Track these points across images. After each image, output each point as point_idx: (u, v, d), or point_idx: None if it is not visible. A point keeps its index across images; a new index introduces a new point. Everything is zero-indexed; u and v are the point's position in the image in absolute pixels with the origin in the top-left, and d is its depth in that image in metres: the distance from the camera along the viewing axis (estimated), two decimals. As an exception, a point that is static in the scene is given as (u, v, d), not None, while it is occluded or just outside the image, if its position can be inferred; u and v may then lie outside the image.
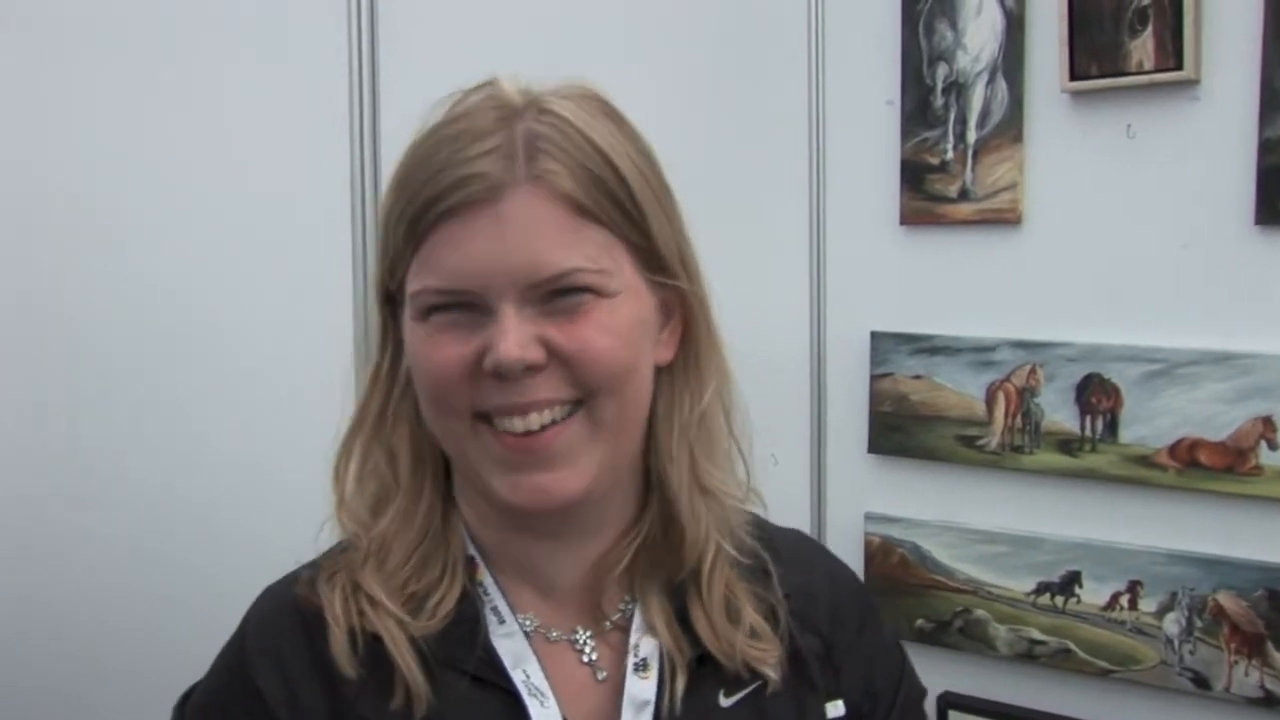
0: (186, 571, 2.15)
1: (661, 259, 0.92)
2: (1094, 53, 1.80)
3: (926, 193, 1.96)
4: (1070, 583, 1.87)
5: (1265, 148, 1.69)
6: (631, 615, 0.97)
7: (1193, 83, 1.74)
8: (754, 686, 0.97)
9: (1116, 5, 1.77)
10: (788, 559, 1.03)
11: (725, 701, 0.96)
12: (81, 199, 2.22)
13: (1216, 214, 1.73)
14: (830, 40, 2.04)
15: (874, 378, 2.02)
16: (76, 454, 2.26)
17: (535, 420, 0.88)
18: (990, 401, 1.92)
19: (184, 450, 2.19)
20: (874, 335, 2.02)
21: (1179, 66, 1.73)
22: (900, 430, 2.01)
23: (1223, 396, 1.73)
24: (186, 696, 1.00)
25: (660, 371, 0.95)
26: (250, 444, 2.13)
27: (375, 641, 0.91)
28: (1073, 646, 1.87)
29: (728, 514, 0.99)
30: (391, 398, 0.95)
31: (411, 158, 0.90)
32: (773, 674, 0.97)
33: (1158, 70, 1.75)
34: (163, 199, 2.17)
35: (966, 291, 1.95)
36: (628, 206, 0.89)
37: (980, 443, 1.93)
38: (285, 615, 0.95)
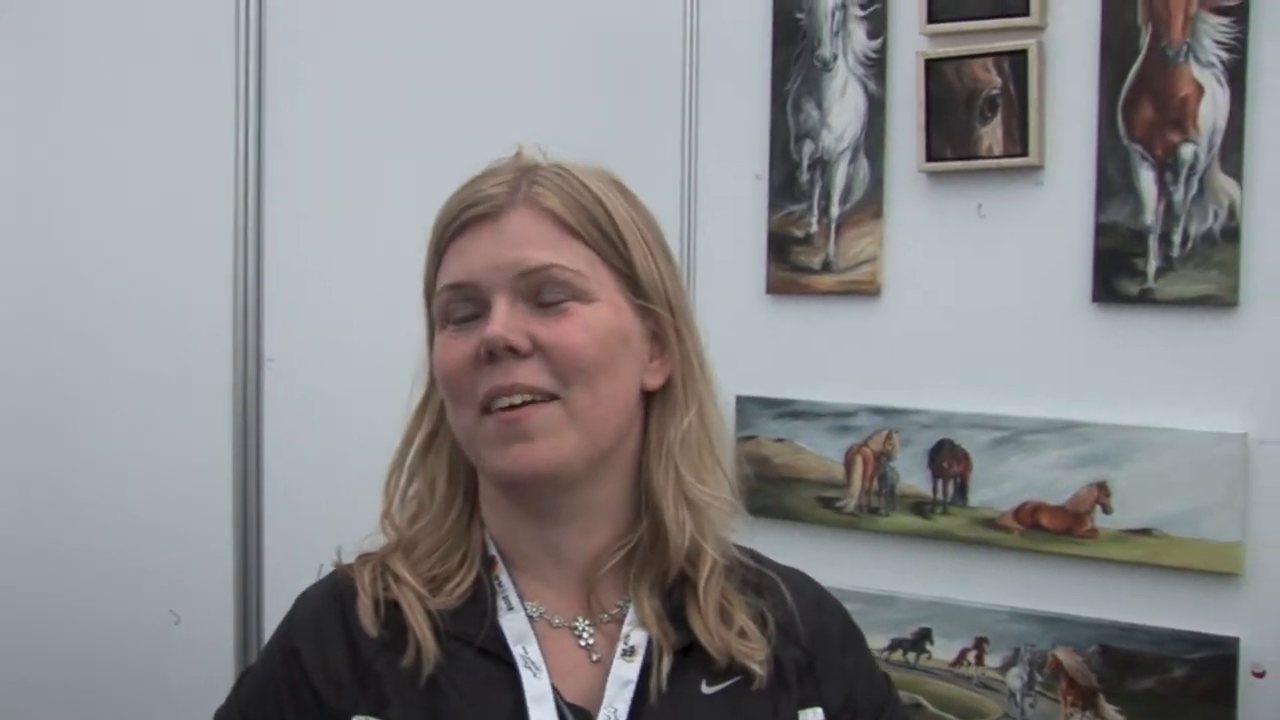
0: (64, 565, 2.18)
1: (643, 287, 1.08)
2: (948, 137, 1.91)
3: (792, 264, 2.06)
4: (922, 639, 1.95)
5: (1101, 230, 1.81)
6: (626, 610, 1.08)
7: (1037, 168, 1.86)
8: (736, 680, 1.07)
9: (969, 94, 1.89)
10: (782, 582, 1.15)
11: (707, 689, 1.07)
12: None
13: (1058, 291, 1.85)
14: (703, 116, 2.13)
15: (739, 440, 2.10)
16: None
17: (518, 398, 1.02)
18: (849, 465, 2.01)
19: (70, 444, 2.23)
20: (740, 399, 2.09)
21: (1025, 153, 1.85)
22: (763, 492, 2.07)
23: (1063, 463, 1.84)
24: (245, 672, 1.16)
25: (651, 397, 1.10)
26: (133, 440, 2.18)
27: (395, 610, 1.06)
28: (923, 701, 1.95)
29: (715, 525, 1.11)
30: (440, 425, 1.11)
31: (445, 201, 1.09)
32: (758, 669, 1.07)
33: (1006, 155, 1.87)
34: (51, 196, 2.20)
35: (828, 359, 2.04)
36: (611, 235, 1.07)
37: (839, 504, 2.01)
38: (325, 592, 1.12)
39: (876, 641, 1.97)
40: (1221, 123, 1.74)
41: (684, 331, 1.11)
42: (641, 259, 1.08)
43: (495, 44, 2.23)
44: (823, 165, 2.03)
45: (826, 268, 2.03)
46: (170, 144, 2.17)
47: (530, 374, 1.02)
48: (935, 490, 1.93)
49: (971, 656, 1.91)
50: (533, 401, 1.02)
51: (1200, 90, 1.76)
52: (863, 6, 2.00)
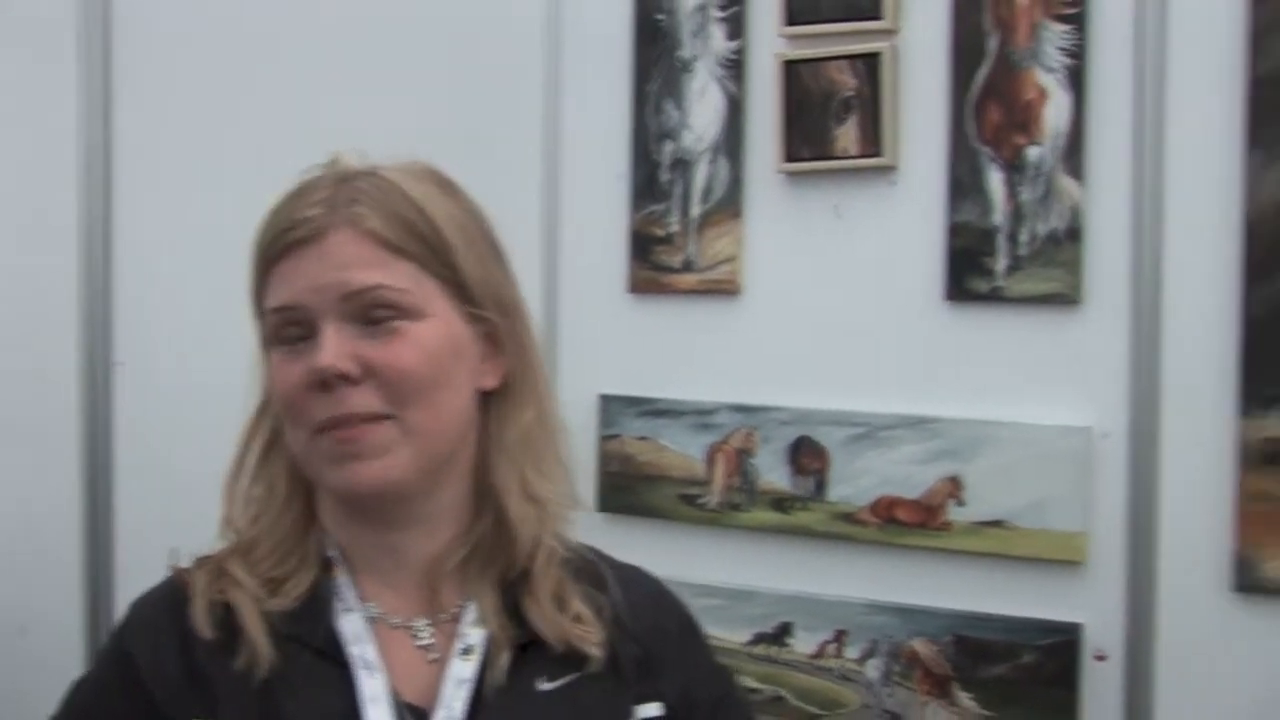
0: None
1: (472, 294, 1.09)
2: (805, 137, 1.94)
3: (653, 263, 2.07)
4: (783, 633, 1.98)
5: (953, 230, 1.86)
6: (465, 609, 1.10)
7: (891, 168, 1.90)
8: (573, 677, 1.09)
9: (825, 95, 1.92)
10: (619, 578, 1.17)
11: (545, 685, 1.08)
12: None
13: (912, 289, 1.89)
14: (564, 116, 2.14)
15: (602, 439, 2.11)
16: None
17: (352, 419, 1.03)
18: (710, 462, 2.03)
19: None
20: (603, 398, 2.10)
21: (879, 153, 1.89)
22: (627, 489, 2.09)
23: (917, 458, 1.88)
24: (78, 680, 1.15)
25: (488, 396, 1.11)
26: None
27: (230, 612, 1.06)
28: (785, 694, 1.98)
29: (555, 520, 1.13)
30: (278, 429, 1.11)
31: (264, 218, 1.09)
32: (595, 653, 1.09)
33: (861, 156, 1.91)
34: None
35: (689, 357, 2.06)
36: (435, 245, 1.07)
37: (701, 501, 2.03)
38: (160, 596, 1.12)
39: (738, 636, 2.00)
40: (1065, 126, 1.80)
41: (518, 330, 1.13)
42: (468, 264, 1.09)
43: (349, 42, 2.22)
44: (683, 165, 2.05)
45: (687, 267, 2.05)
46: (14, 145, 2.10)
47: (364, 400, 1.03)
48: (795, 486, 1.96)
49: (831, 649, 1.95)
50: (367, 421, 1.03)
51: (1044, 94, 1.81)
52: (722, 8, 2.02)
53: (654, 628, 1.17)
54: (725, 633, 2.00)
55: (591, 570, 1.16)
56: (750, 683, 1.99)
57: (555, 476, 1.14)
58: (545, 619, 1.09)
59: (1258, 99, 1.69)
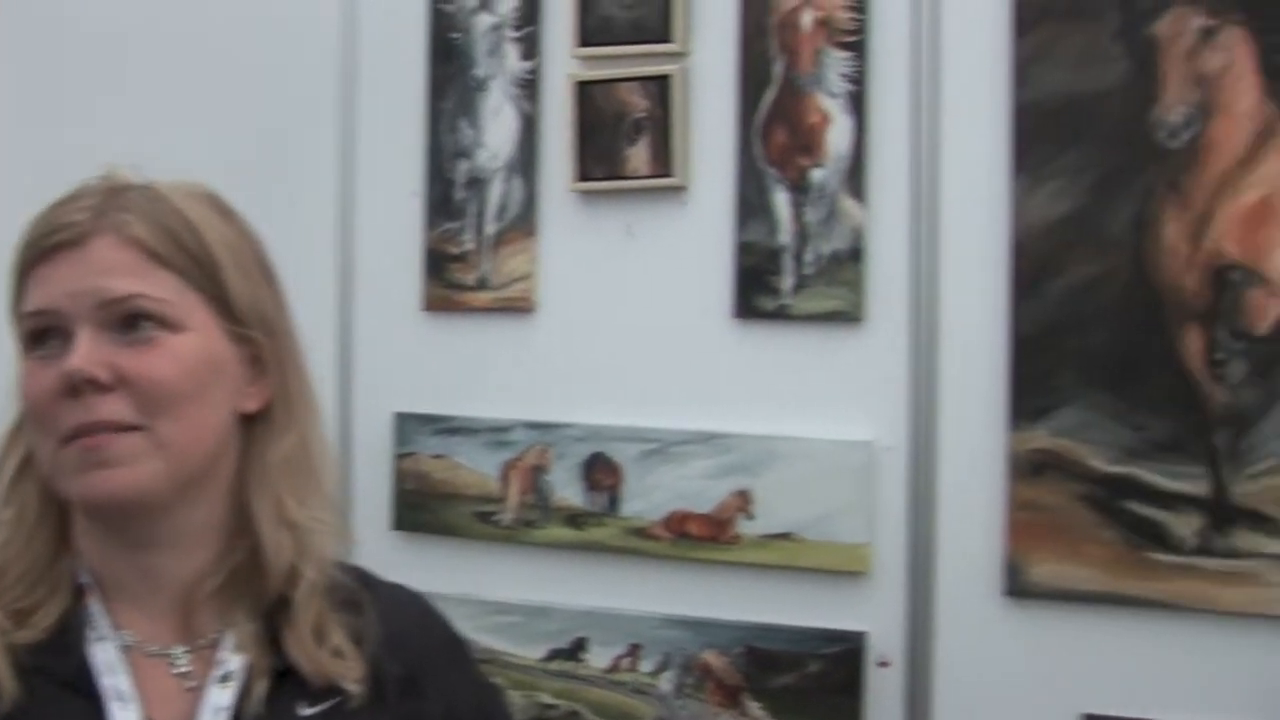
0: None
1: (237, 312, 1.06)
2: (598, 157, 1.97)
3: (448, 281, 2.07)
4: (578, 649, 1.99)
5: (741, 250, 1.91)
6: (224, 636, 1.06)
7: (681, 189, 1.94)
8: (335, 701, 1.06)
9: (617, 116, 1.95)
10: (383, 600, 1.14)
11: (305, 711, 1.05)
12: None
13: (702, 307, 1.93)
14: (360, 133, 2.12)
15: (398, 457, 2.09)
16: None
17: (100, 426, 1.00)
18: (505, 479, 2.03)
19: None
20: (398, 416, 2.09)
21: (669, 174, 1.93)
22: (423, 508, 2.08)
23: (708, 473, 1.92)
24: None
25: (251, 419, 1.08)
26: None
27: None
28: (580, 709, 1.99)
29: (316, 548, 1.09)
30: (32, 450, 1.06)
31: (29, 222, 1.05)
32: (353, 689, 1.06)
33: (652, 176, 1.94)
34: None
35: (484, 375, 2.06)
36: (202, 260, 1.04)
37: (496, 518, 2.04)
38: None
39: (534, 652, 2.00)
40: (847, 149, 1.86)
41: (284, 354, 1.10)
42: (235, 282, 1.06)
43: (138, 53, 2.16)
44: (478, 183, 2.06)
45: (482, 285, 2.05)
46: None
47: (113, 409, 1.00)
48: (589, 502, 1.98)
49: (626, 663, 1.97)
50: (115, 431, 1.00)
51: (827, 118, 1.87)
52: (516, 28, 2.04)
53: (418, 648, 1.15)
54: (521, 649, 2.01)
55: (354, 596, 1.12)
56: (546, 699, 1.99)
57: (316, 504, 1.10)
58: (304, 653, 1.06)
59: (1023, 126, 1.78)
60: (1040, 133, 1.77)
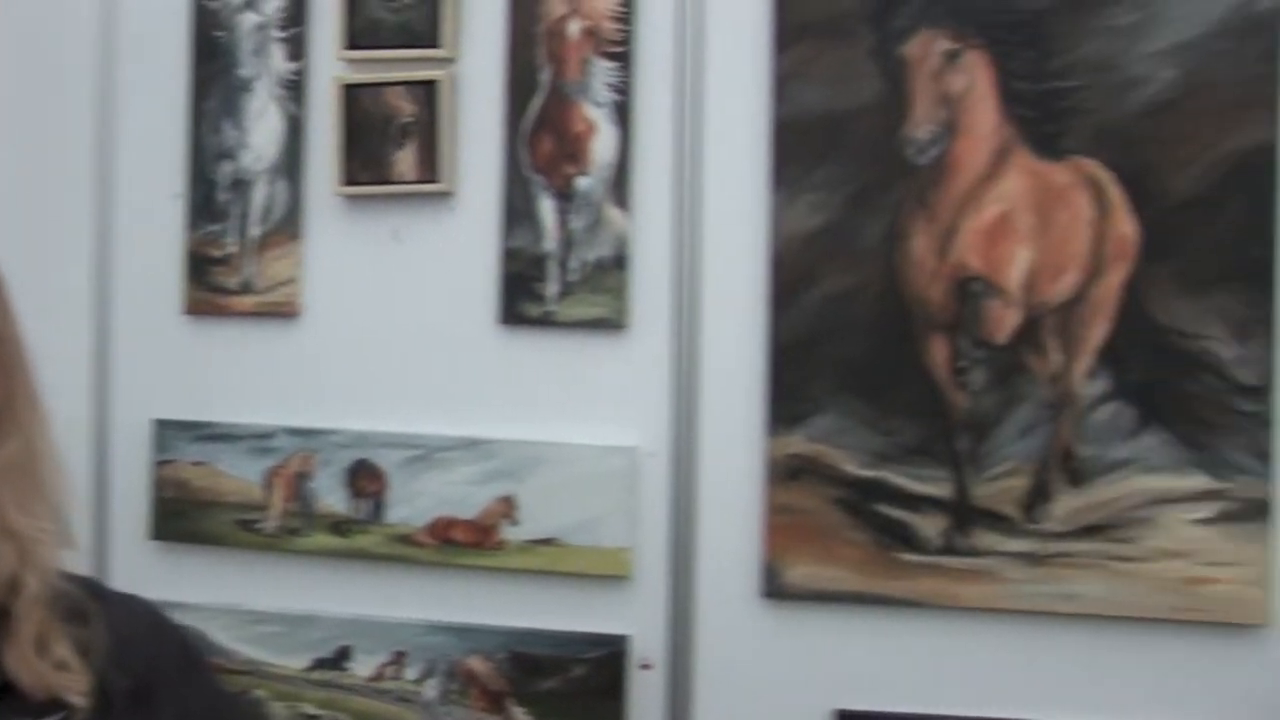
0: None
1: None
2: (365, 161, 1.95)
3: (210, 284, 2.02)
4: (342, 657, 1.96)
5: (507, 256, 1.91)
6: None
7: (448, 194, 1.93)
8: (58, 716, 1.04)
9: (384, 119, 1.94)
10: (113, 611, 1.12)
11: None
12: None
13: (468, 313, 1.93)
14: (120, 132, 2.06)
15: (157, 464, 2.03)
16: None
17: None
18: (268, 486, 1.99)
19: None
20: (157, 423, 2.03)
21: (436, 179, 1.92)
22: (182, 516, 2.03)
23: (473, 479, 1.91)
24: None
25: None
26: None
27: None
28: (344, 719, 1.96)
29: (39, 557, 1.06)
30: None
31: None
32: (78, 701, 1.04)
33: (419, 181, 1.93)
34: None
35: (247, 381, 2.02)
36: None
37: (258, 526, 2.00)
38: None
39: (297, 662, 1.97)
40: (612, 158, 1.89)
41: (7, 360, 1.08)
42: None
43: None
44: (242, 185, 2.01)
45: (246, 289, 2.01)
46: None
47: None
48: (353, 509, 1.96)
49: (390, 671, 1.95)
50: None
51: (593, 127, 1.89)
52: (282, 28, 2.00)
53: (148, 658, 1.13)
54: (283, 659, 1.97)
55: (81, 607, 1.10)
56: (309, 709, 1.96)
57: (41, 513, 1.08)
58: (25, 666, 1.03)
59: (781, 141, 1.83)
60: (798, 147, 1.83)
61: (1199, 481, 1.73)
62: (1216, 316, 1.73)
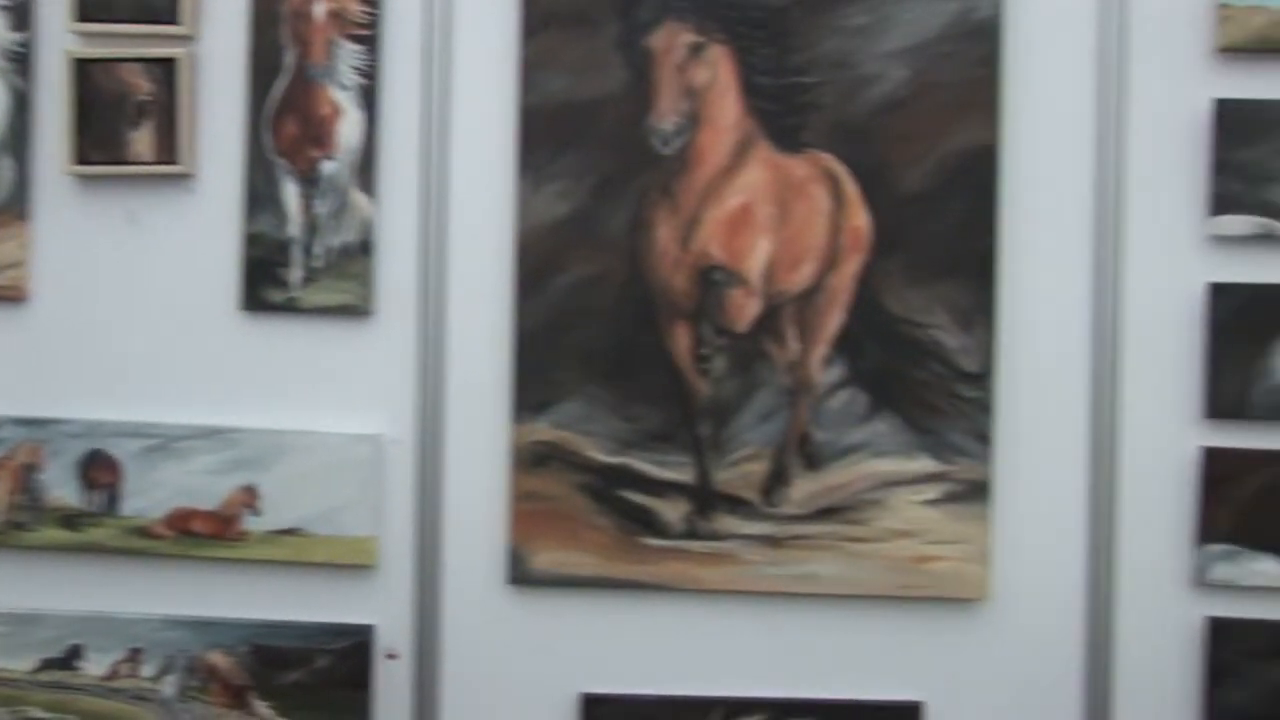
0: None
1: None
2: (98, 140, 1.87)
3: (-71, 266, 1.92)
4: (73, 657, 1.89)
5: (249, 240, 1.86)
6: None
7: (188, 176, 1.87)
8: None
9: (118, 97, 1.87)
10: None
11: None
12: None
13: (208, 299, 1.88)
14: None
15: None
16: None
17: None
18: (-8, 479, 1.90)
19: None
20: None
21: (175, 160, 1.86)
22: (-101, 512, 1.92)
23: (213, 469, 1.86)
24: None
25: None
26: None
27: None
28: (74, 720, 1.89)
29: None
30: None
31: None
32: None
33: (157, 162, 1.87)
34: None
35: (-31, 368, 1.92)
36: None
37: (-18, 522, 1.90)
38: None
39: (23, 664, 1.89)
40: (358, 142, 1.86)
41: None
42: None
43: None
44: (-35, 162, 1.91)
45: (-32, 271, 1.91)
46: None
47: None
48: (86, 502, 1.88)
49: (125, 669, 1.88)
50: None
51: (339, 111, 1.86)
52: (7, -3, 1.91)
53: None
54: (9, 661, 1.89)
55: None
56: (35, 713, 1.88)
57: None
58: None
59: (527, 128, 1.83)
60: (544, 135, 1.83)
61: (925, 465, 1.81)
62: (943, 307, 1.81)
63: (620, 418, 1.83)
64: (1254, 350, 1.79)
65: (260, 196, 1.87)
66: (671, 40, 1.82)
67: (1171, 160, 1.81)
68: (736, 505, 1.83)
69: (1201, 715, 1.82)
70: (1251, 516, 1.80)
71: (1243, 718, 1.81)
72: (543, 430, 1.84)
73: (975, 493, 1.81)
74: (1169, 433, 1.82)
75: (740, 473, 1.83)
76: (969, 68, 1.80)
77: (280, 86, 1.87)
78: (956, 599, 1.83)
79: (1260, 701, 1.81)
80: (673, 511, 1.83)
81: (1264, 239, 1.79)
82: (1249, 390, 1.79)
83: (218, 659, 1.87)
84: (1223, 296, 1.79)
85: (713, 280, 1.83)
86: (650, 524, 1.84)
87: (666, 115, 1.82)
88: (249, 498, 1.86)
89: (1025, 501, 1.83)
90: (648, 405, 1.83)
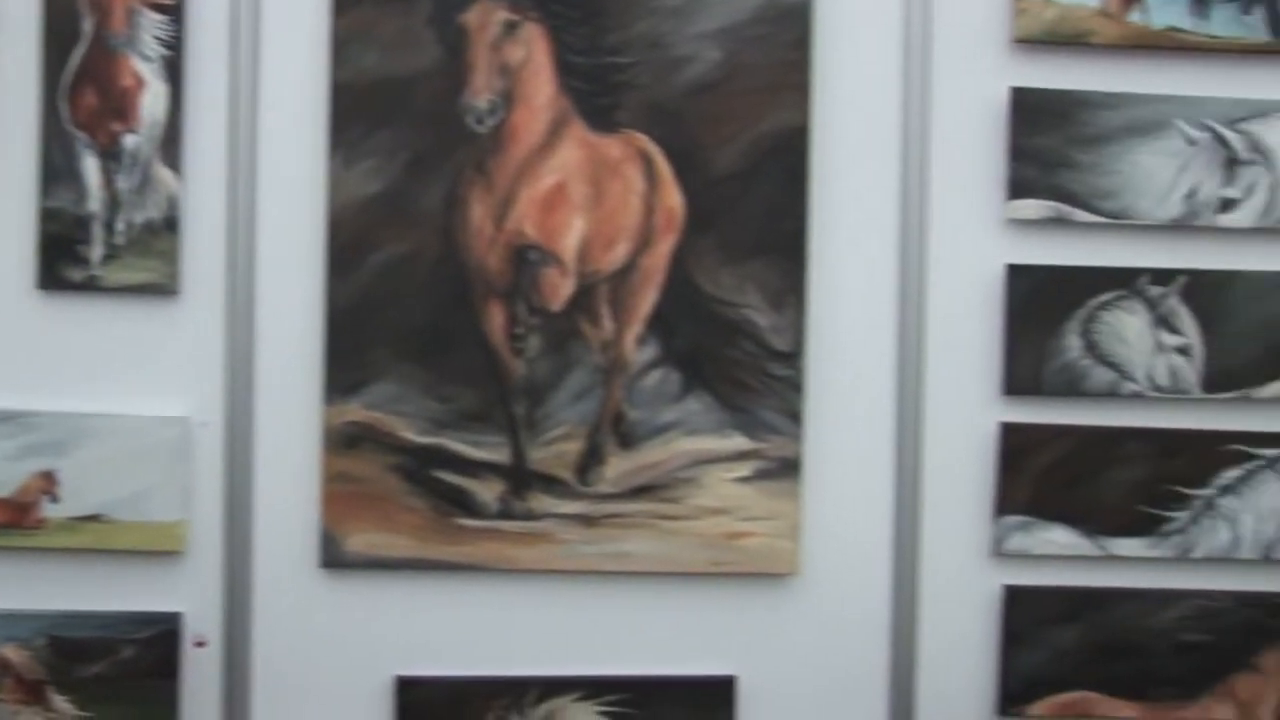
0: None
1: None
2: (-121, 110, 1.78)
3: None
4: None
5: (46, 216, 1.79)
6: None
7: (-22, 149, 1.80)
8: None
9: (-99, 65, 1.78)
10: None
11: None
12: None
13: (3, 278, 1.80)
14: None
15: None
16: None
17: None
18: None
19: None
20: None
21: (-37, 132, 1.78)
22: None
23: (8, 454, 1.79)
24: None
25: None
26: None
27: None
28: None
29: None
30: None
31: None
32: None
33: (-57, 134, 1.79)
34: None
35: None
36: None
37: None
38: None
39: None
40: (162, 116, 1.80)
41: None
42: None
43: None
44: None
45: None
46: None
47: None
48: None
49: (-87, 664, 1.80)
50: None
51: (142, 82, 1.80)
52: None
53: None
54: None
55: None
56: None
57: None
58: None
59: (338, 104, 1.80)
60: (356, 111, 1.81)
61: (737, 442, 1.84)
62: (754, 286, 1.84)
63: (434, 398, 1.82)
64: (1047, 329, 1.87)
65: (58, 170, 1.80)
66: (486, 18, 1.81)
67: (972, 146, 1.87)
68: (551, 484, 1.83)
69: (999, 678, 1.90)
70: (1044, 488, 1.88)
71: (1037, 680, 1.89)
72: (355, 411, 1.81)
73: (786, 469, 1.84)
74: (970, 409, 1.88)
75: (555, 452, 1.83)
76: (781, 50, 1.83)
77: (77, 56, 1.80)
78: (768, 574, 1.86)
79: (1053, 664, 1.89)
80: (487, 492, 1.83)
81: (1056, 222, 1.87)
82: (1043, 368, 1.87)
83: (11, 653, 1.80)
84: (1019, 278, 1.86)
85: (527, 259, 1.83)
86: (465, 504, 1.83)
87: (481, 93, 1.81)
88: (47, 484, 1.79)
89: (834, 478, 1.87)
90: (461, 385, 1.82)
